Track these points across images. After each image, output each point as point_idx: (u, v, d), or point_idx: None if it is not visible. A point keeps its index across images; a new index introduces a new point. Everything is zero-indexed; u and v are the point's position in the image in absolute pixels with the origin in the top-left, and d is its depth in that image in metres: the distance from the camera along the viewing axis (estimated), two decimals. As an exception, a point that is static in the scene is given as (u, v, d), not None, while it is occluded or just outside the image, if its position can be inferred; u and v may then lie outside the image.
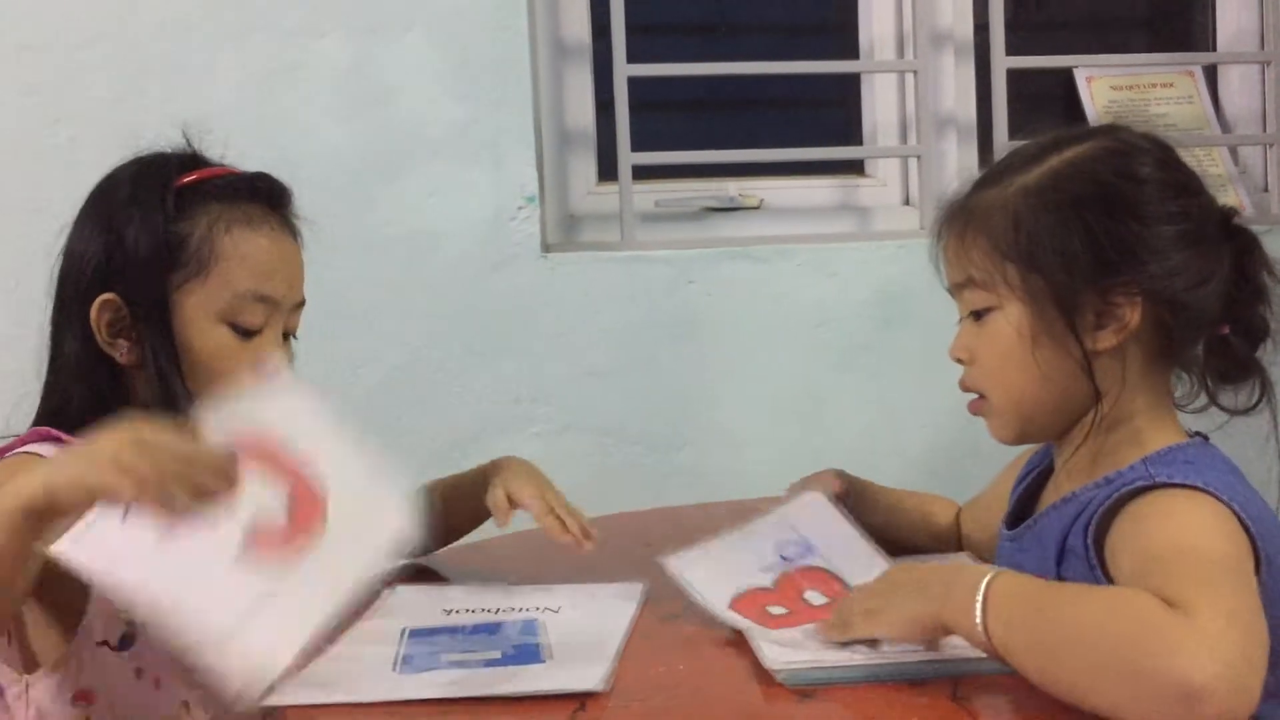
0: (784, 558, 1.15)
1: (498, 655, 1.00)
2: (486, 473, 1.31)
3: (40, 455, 1.06)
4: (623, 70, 2.00)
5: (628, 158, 2.00)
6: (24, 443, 1.09)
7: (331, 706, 0.92)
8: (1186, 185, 1.04)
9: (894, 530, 1.27)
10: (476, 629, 1.08)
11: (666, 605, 1.15)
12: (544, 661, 0.99)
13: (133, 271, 1.11)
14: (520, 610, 1.13)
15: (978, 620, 0.84)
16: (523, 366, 1.93)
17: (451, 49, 1.90)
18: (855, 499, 1.26)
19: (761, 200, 2.16)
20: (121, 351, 1.11)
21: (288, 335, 1.19)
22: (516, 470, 1.29)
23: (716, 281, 1.97)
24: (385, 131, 1.90)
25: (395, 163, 1.90)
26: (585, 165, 2.11)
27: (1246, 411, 1.04)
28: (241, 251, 1.13)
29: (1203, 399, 1.06)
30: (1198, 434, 1.06)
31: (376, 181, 1.90)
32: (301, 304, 1.19)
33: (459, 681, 0.95)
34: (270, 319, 1.14)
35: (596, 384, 1.94)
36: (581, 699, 0.90)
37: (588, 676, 0.92)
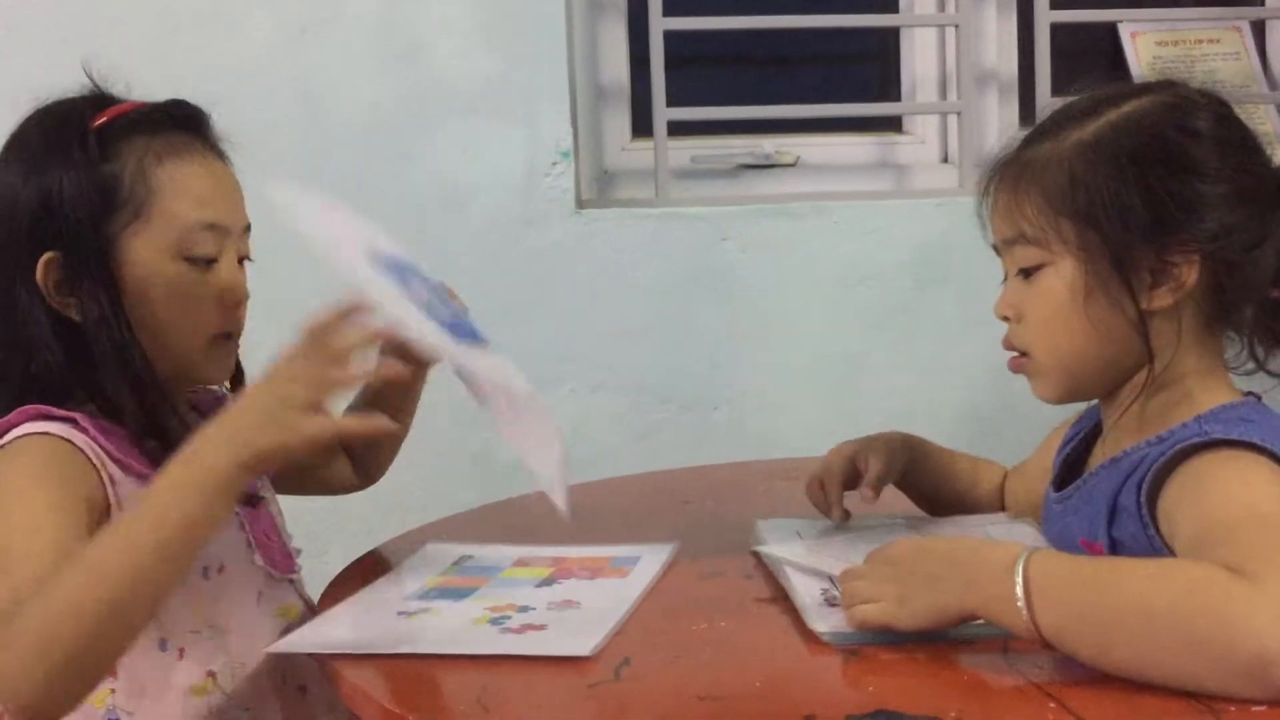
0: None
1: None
2: None
3: (54, 435, 1.02)
4: (658, 24, 1.97)
5: (663, 113, 1.98)
6: (13, 424, 1.04)
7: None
8: (1244, 142, 1.02)
9: (944, 492, 1.28)
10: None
11: (707, 563, 1.14)
12: (485, 341, 1.03)
13: (70, 225, 1.05)
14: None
15: (1020, 606, 0.82)
16: (556, 324, 1.91)
17: (485, 3, 1.88)
18: (913, 461, 1.25)
19: (798, 157, 2.13)
20: (75, 309, 1.06)
21: (241, 260, 1.14)
22: None
23: (752, 239, 1.95)
24: (418, 87, 1.88)
25: (429, 118, 1.88)
26: (620, 121, 2.09)
27: None
28: (177, 182, 1.08)
29: (1249, 364, 1.03)
30: (1251, 394, 1.04)
31: (410, 137, 1.88)
32: (248, 227, 1.15)
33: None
34: (223, 245, 1.10)
35: (630, 342, 1.93)
36: (626, 655, 0.90)
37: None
